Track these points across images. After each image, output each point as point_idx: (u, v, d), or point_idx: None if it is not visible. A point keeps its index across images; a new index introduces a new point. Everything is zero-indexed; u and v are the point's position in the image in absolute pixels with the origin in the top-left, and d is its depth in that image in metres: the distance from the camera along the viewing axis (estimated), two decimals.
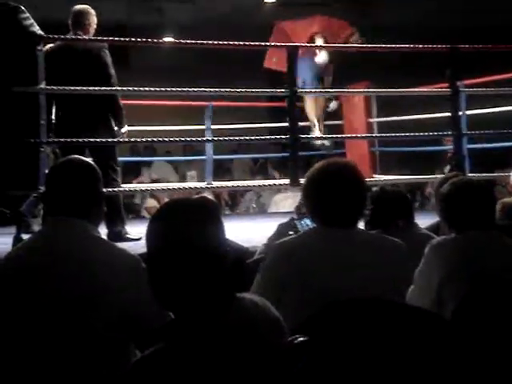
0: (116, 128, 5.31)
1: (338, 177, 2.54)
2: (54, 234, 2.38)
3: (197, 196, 1.82)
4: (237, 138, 5.65)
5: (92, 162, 2.52)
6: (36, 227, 5.05)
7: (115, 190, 5.13)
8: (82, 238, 2.35)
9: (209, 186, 6.28)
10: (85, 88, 4.95)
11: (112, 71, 5.24)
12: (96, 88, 4.99)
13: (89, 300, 2.21)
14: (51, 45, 5.23)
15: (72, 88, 4.92)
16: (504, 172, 5.23)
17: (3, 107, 4.57)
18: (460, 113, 5.93)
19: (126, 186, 5.97)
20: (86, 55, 5.21)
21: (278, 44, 5.62)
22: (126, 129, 5.40)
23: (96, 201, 2.45)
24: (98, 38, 5.41)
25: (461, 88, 5.93)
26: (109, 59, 5.24)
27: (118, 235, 5.10)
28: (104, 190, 2.52)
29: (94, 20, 5.40)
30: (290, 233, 3.51)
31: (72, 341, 2.09)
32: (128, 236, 5.24)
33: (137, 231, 5.20)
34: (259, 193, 10.18)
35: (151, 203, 9.45)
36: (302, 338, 1.69)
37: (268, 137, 6.06)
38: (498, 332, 2.27)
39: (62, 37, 5.13)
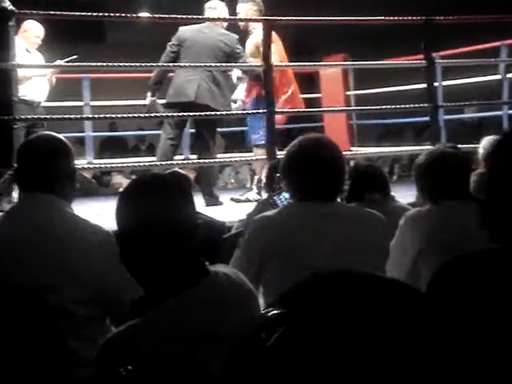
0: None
1: (315, 152, 2.54)
2: (24, 210, 2.36)
3: (168, 171, 1.81)
4: (213, 113, 5.61)
5: (62, 138, 2.49)
6: (6, 205, 5.02)
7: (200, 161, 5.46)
8: (53, 214, 2.33)
9: (185, 161, 6.24)
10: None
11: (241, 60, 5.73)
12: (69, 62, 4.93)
13: (61, 275, 2.19)
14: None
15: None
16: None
17: None
18: (436, 84, 5.92)
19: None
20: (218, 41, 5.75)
21: (253, 18, 5.57)
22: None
23: (66, 176, 2.42)
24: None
25: (436, 59, 5.93)
26: (240, 49, 5.78)
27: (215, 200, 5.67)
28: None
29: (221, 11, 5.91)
30: (270, 209, 3.50)
31: (46, 316, 2.07)
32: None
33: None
34: (237, 168, 10.14)
35: (118, 179, 9.43)
36: (276, 311, 1.68)
37: (244, 111, 6.02)
38: (472, 303, 2.28)
39: (29, 12, 5.03)
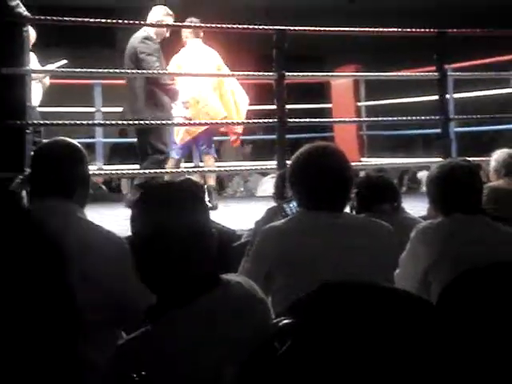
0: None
1: (322, 161, 2.54)
2: (39, 215, 2.37)
3: (180, 178, 1.81)
4: (224, 122, 5.63)
5: (76, 143, 2.50)
6: None
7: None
8: (68, 219, 2.34)
9: (195, 169, 6.26)
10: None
11: (144, 57, 5.64)
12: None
13: (77, 280, 2.20)
14: None
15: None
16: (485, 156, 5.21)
17: None
18: (447, 96, 5.92)
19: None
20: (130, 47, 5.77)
21: (267, 27, 5.57)
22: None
23: (80, 182, 2.44)
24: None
25: (448, 72, 5.93)
26: (145, 47, 5.68)
27: None
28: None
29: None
30: (279, 217, 3.50)
31: (57, 322, 2.08)
32: None
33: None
34: (246, 177, 10.14)
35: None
36: (287, 320, 1.69)
37: (255, 120, 6.04)
38: (482, 316, 2.28)
39: (43, 17, 5.03)
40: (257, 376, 1.58)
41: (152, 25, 5.77)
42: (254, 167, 7.27)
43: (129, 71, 5.60)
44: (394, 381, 1.82)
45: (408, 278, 2.68)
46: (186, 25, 6.06)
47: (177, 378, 1.59)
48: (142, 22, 5.70)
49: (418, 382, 1.84)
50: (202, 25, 5.74)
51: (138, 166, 5.84)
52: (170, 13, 5.94)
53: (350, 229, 2.52)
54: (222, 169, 6.60)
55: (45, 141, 2.72)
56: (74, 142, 2.52)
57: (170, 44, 6.24)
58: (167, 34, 5.95)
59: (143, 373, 1.50)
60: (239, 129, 6.42)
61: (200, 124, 5.90)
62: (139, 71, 5.51)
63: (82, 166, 2.45)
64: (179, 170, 5.82)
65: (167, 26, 5.91)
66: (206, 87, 6.08)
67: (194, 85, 6.03)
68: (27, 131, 4.62)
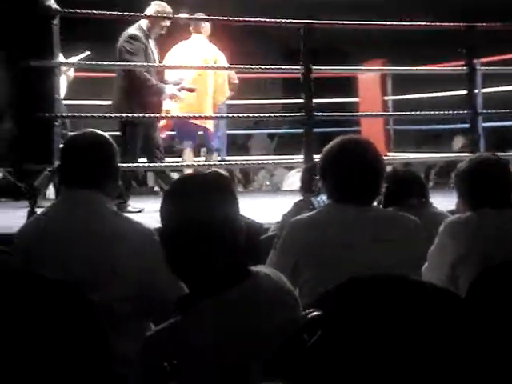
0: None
1: (354, 153, 2.53)
2: (71, 206, 2.40)
3: (209, 171, 1.81)
4: (250, 115, 5.64)
5: (107, 135, 2.52)
6: (44, 202, 5.07)
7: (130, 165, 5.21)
8: (98, 211, 2.36)
9: (222, 162, 6.27)
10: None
11: (125, 56, 5.55)
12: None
13: (105, 271, 2.23)
14: None
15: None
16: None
17: (18, 81, 4.57)
18: (476, 91, 5.89)
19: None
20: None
21: (288, 21, 5.55)
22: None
23: (111, 174, 2.46)
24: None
25: (477, 66, 5.89)
26: (129, 46, 5.57)
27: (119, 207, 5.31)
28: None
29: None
30: (306, 211, 3.51)
31: (86, 311, 2.10)
32: (129, 209, 5.44)
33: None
34: (272, 171, 10.14)
35: None
36: (316, 312, 1.70)
37: (282, 114, 6.04)
38: (510, 312, 2.28)
39: (73, 11, 5.06)
40: (286, 367, 1.58)
41: (165, 17, 5.69)
42: (279, 161, 7.27)
43: (145, 64, 5.56)
44: (422, 373, 1.83)
45: (435, 272, 2.67)
46: (202, 18, 6.05)
47: (205, 368, 1.60)
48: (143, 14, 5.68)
49: (446, 374, 1.84)
50: (230, 18, 5.73)
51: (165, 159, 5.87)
52: (167, 10, 5.71)
53: (377, 222, 2.52)
54: (249, 162, 6.61)
55: (73, 133, 2.73)
56: (105, 134, 2.54)
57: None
58: (163, 31, 5.77)
59: (174, 362, 1.51)
60: (208, 124, 6.25)
61: (191, 117, 5.89)
62: (149, 64, 5.53)
63: (112, 158, 2.47)
64: (201, 163, 5.83)
65: (186, 18, 5.92)
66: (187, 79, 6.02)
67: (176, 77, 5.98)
68: (56, 124, 4.66)
